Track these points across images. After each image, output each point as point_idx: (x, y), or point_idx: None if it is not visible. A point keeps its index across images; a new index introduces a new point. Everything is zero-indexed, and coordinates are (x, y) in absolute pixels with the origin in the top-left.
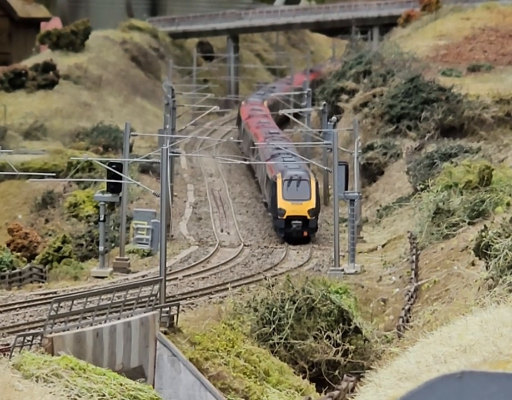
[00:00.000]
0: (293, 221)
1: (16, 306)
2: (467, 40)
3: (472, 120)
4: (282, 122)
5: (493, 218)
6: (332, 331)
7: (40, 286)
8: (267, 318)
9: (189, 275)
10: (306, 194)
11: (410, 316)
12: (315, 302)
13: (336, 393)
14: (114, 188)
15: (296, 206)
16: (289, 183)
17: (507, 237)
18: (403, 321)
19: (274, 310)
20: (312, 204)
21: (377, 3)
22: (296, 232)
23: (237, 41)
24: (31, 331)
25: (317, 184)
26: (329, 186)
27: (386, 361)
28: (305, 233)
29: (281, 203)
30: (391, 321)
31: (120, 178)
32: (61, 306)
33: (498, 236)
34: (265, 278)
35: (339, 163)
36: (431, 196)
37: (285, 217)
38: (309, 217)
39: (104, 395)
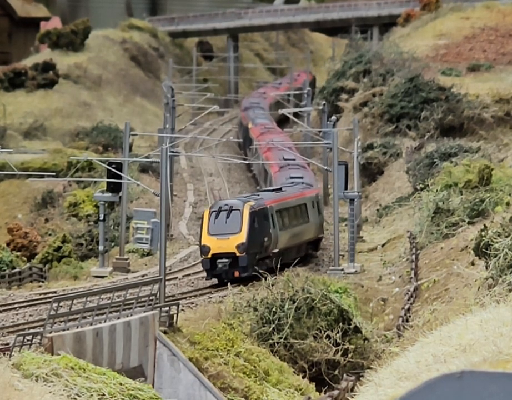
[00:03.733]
0: (219, 260)
1: (16, 305)
2: (467, 39)
3: (472, 119)
4: (282, 122)
5: (493, 217)
6: (332, 331)
7: (40, 286)
8: (267, 318)
9: (189, 275)
10: (235, 227)
11: (410, 316)
12: (315, 302)
13: (336, 392)
14: (114, 188)
15: (222, 241)
16: (217, 214)
17: (506, 236)
18: (403, 321)
19: (273, 309)
20: (242, 238)
21: (377, 3)
22: (225, 273)
23: (237, 41)
24: (31, 330)
25: (254, 213)
26: (329, 186)
27: (386, 360)
28: (236, 273)
29: (205, 239)
30: (391, 320)
31: (120, 177)
32: (61, 306)
33: (498, 235)
34: (265, 278)
35: (338, 162)
36: (430, 196)
37: (210, 256)
38: (238, 254)
39: (103, 395)
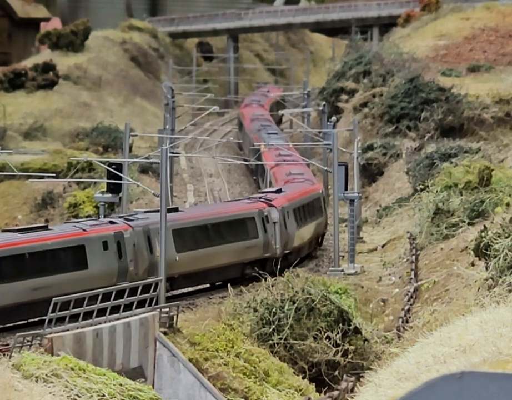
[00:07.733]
0: None
1: None
2: (467, 40)
3: (472, 120)
4: (282, 122)
5: (493, 218)
6: (332, 332)
7: None
8: (267, 318)
9: None
10: None
11: (410, 317)
12: (315, 302)
13: (335, 393)
14: (114, 188)
15: None
16: None
17: (506, 237)
18: (403, 322)
19: (273, 310)
20: None
21: (377, 3)
22: None
23: (237, 42)
24: (31, 331)
25: None
26: (329, 187)
27: (386, 361)
28: None
29: None
30: (391, 321)
31: (120, 178)
32: (61, 306)
33: (498, 236)
34: (265, 279)
35: (338, 163)
36: (430, 197)
37: None
38: None
39: (103, 396)
